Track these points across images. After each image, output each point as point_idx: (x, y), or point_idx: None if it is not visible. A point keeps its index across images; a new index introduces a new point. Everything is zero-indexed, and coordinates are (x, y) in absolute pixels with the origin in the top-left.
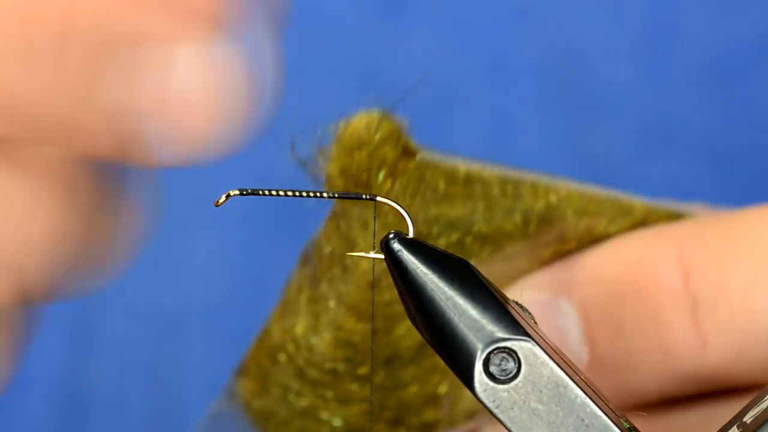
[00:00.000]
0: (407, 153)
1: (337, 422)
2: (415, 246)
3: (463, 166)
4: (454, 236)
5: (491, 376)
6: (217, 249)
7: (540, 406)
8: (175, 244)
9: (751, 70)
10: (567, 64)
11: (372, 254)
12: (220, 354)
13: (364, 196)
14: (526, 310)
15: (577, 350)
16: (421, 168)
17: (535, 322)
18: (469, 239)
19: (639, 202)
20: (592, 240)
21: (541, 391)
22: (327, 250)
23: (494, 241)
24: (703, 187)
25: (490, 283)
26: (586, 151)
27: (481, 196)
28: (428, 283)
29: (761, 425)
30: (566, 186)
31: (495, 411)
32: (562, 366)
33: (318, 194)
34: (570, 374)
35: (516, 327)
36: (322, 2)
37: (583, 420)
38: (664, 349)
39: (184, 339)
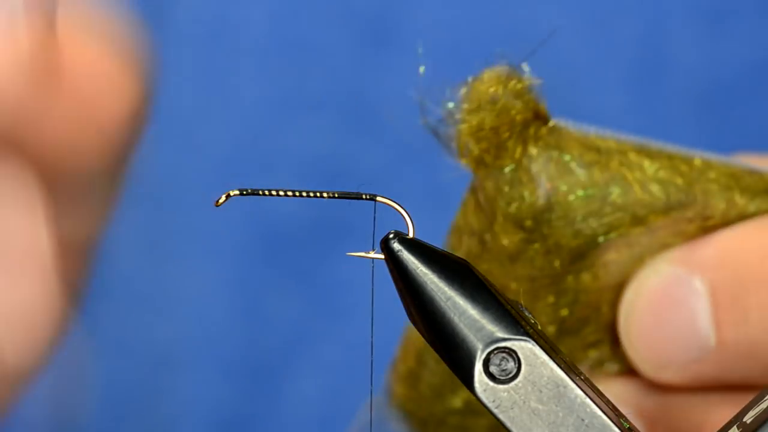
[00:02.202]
0: (539, 117)
1: None
2: (415, 246)
3: (597, 135)
4: (593, 206)
5: (491, 376)
6: (208, 282)
7: (540, 406)
8: (166, 278)
9: (741, 96)
10: (558, 91)
11: (372, 254)
12: (214, 388)
13: (363, 196)
14: (527, 310)
15: (704, 332)
16: (554, 134)
17: (535, 322)
18: (607, 209)
19: None
20: (735, 217)
21: (541, 391)
22: (465, 228)
23: (633, 211)
24: None
25: (490, 284)
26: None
27: (617, 165)
28: (428, 283)
29: (761, 425)
30: (708, 159)
31: (495, 411)
32: (561, 366)
33: (317, 194)
34: (570, 374)
35: (516, 327)
36: (307, 35)
37: (583, 420)
38: None
39: (176, 373)
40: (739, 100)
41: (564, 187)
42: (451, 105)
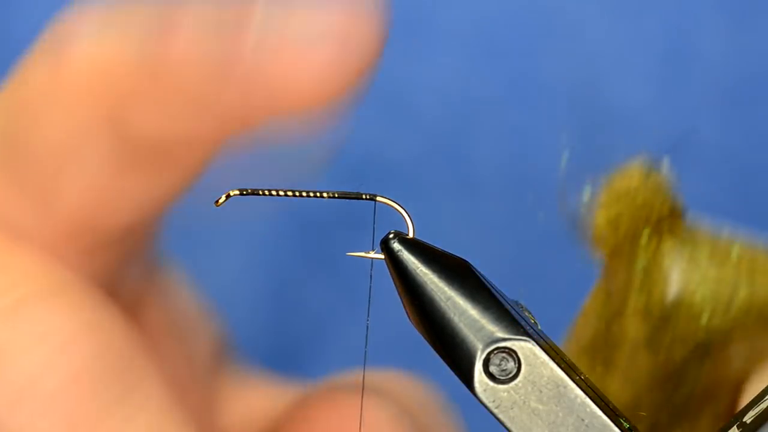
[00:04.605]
0: (675, 213)
1: None
2: (415, 246)
3: (729, 235)
4: (720, 304)
5: (491, 376)
6: (235, 267)
7: (540, 406)
8: (193, 263)
9: None
10: (586, 82)
11: (372, 254)
12: None
13: (364, 196)
14: (527, 310)
15: None
16: (687, 231)
17: (536, 322)
18: (733, 309)
19: None
20: None
21: (541, 391)
22: (594, 313)
23: (758, 313)
24: (721, 206)
25: (491, 284)
26: (604, 169)
27: (746, 268)
28: (428, 283)
29: (761, 425)
30: None
31: (495, 411)
32: (562, 366)
33: (317, 194)
34: (570, 374)
35: (516, 327)
36: None
37: (583, 420)
38: None
39: None
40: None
41: (694, 284)
42: (589, 193)
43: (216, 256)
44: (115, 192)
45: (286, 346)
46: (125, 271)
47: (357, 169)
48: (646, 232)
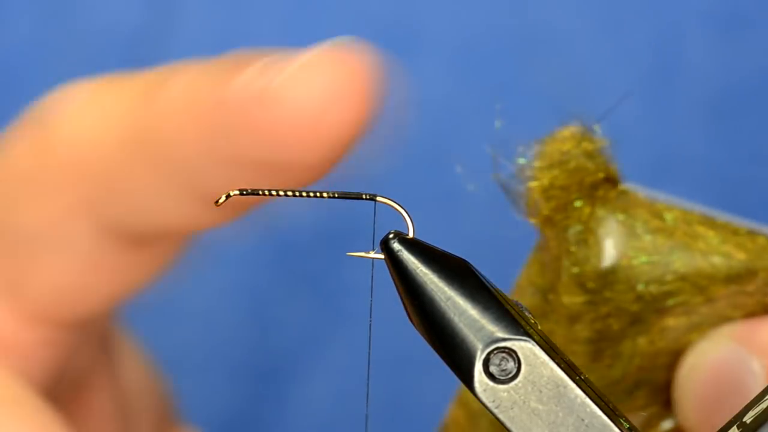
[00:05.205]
0: (609, 179)
1: None
2: (415, 246)
3: (665, 202)
4: (655, 272)
5: (491, 376)
6: (215, 286)
7: (540, 406)
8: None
9: (755, 103)
10: (571, 96)
11: (372, 254)
12: (221, 392)
13: (363, 196)
14: (527, 310)
15: None
16: (623, 197)
17: (535, 322)
18: (669, 276)
19: None
20: None
21: (541, 391)
22: (528, 285)
23: (694, 281)
24: None
25: (491, 284)
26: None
27: (681, 235)
28: (428, 283)
29: (761, 425)
30: None
31: (495, 411)
32: (561, 366)
33: (317, 194)
34: (570, 374)
35: (516, 327)
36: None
37: (583, 420)
38: None
39: (184, 377)
40: (753, 107)
41: (629, 252)
42: (522, 161)
43: (195, 277)
44: (87, 282)
45: (268, 366)
46: (75, 360)
47: (341, 184)
48: (579, 199)
